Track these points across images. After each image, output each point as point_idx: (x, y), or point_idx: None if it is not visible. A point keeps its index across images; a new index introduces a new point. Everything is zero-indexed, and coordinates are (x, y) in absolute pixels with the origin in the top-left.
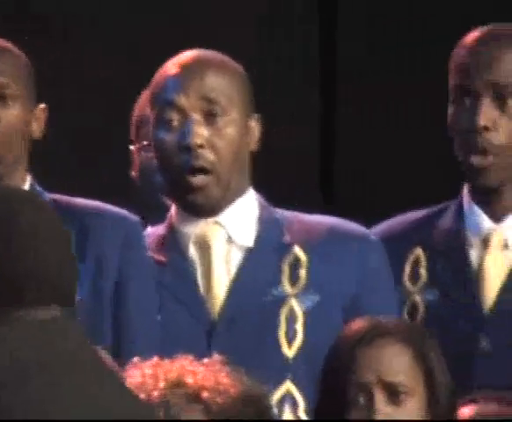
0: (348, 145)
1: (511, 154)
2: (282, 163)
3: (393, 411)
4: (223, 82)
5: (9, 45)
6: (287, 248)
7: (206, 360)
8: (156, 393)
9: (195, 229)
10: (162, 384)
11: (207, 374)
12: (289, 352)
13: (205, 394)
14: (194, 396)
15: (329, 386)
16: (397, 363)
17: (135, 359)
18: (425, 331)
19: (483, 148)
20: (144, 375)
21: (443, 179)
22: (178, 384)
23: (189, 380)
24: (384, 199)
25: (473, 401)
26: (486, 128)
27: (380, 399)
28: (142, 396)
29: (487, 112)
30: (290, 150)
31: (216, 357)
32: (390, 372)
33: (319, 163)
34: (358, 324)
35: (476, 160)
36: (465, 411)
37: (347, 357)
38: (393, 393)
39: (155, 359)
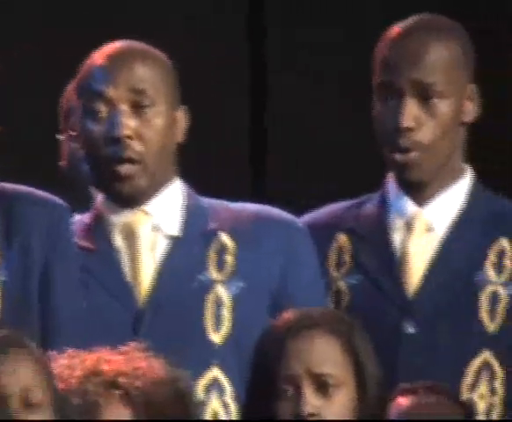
0: (280, 139)
1: (435, 152)
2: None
3: (322, 403)
4: (150, 73)
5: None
6: (213, 235)
7: (123, 348)
8: (73, 381)
9: (122, 218)
10: (78, 373)
11: (124, 360)
12: (216, 338)
13: (122, 379)
14: (111, 383)
15: (258, 378)
16: (325, 354)
17: (53, 352)
18: (354, 323)
19: (406, 147)
20: (61, 366)
21: (372, 170)
22: (94, 372)
23: (105, 367)
24: (314, 192)
25: (413, 391)
26: (409, 129)
27: (309, 391)
28: (61, 386)
29: (411, 112)
30: (221, 143)
31: (134, 343)
32: (318, 363)
33: (251, 157)
34: (287, 316)
35: (399, 157)
36: (402, 401)
37: (276, 349)
38: (322, 385)
39: (70, 350)
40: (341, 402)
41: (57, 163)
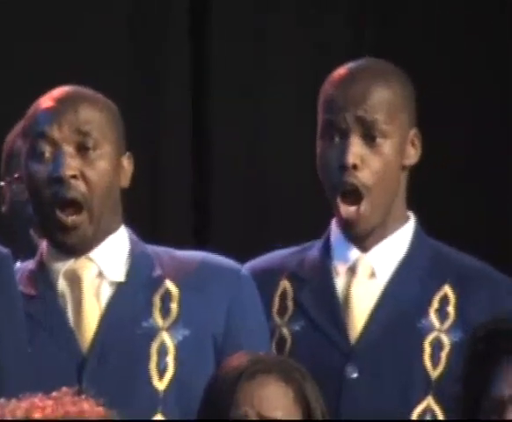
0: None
1: (380, 196)
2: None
3: None
4: (96, 116)
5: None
6: (158, 282)
7: (55, 394)
8: None
9: (66, 265)
10: None
11: (56, 406)
12: (160, 385)
13: None
14: None
15: (208, 419)
16: (277, 400)
17: None
18: (305, 372)
19: (353, 188)
20: None
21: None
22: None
23: (37, 415)
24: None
25: None
26: (354, 167)
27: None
28: None
29: (356, 150)
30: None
31: (65, 389)
32: (270, 408)
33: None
34: (239, 359)
35: (345, 211)
36: None
37: (228, 391)
38: None
39: (2, 400)
40: None
41: None
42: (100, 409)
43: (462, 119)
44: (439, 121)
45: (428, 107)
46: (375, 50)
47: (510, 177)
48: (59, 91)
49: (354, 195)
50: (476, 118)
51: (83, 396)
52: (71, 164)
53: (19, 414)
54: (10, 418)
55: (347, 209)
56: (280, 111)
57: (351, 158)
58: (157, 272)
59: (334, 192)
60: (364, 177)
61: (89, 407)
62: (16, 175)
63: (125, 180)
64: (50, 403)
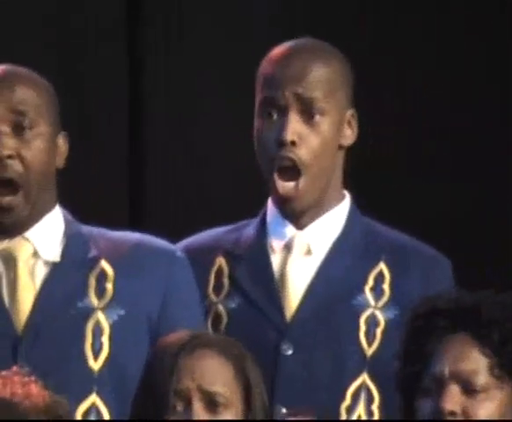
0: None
1: (318, 173)
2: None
3: (212, 419)
4: (32, 95)
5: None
6: (93, 262)
7: (3, 373)
8: None
9: (1, 244)
10: None
11: (3, 386)
12: (95, 364)
13: None
14: None
15: (147, 394)
16: (217, 374)
17: None
18: (244, 349)
19: (291, 164)
20: None
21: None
22: None
23: None
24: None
25: (295, 414)
26: (292, 143)
27: (198, 406)
28: None
29: (295, 127)
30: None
31: (15, 368)
32: (210, 381)
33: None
34: (179, 334)
35: (282, 188)
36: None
37: (168, 365)
38: (211, 402)
39: None
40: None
41: None
42: (47, 393)
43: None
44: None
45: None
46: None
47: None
48: None
49: (292, 171)
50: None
51: (32, 378)
52: (8, 144)
53: None
54: None
55: (284, 185)
56: (216, 80)
57: (289, 135)
58: (93, 252)
59: (271, 169)
60: (302, 154)
61: (36, 390)
62: None
63: (60, 160)
64: None
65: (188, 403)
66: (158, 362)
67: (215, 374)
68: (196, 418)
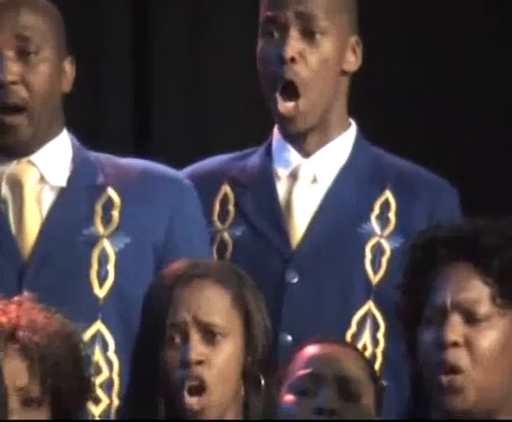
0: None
1: (318, 93)
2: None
3: (209, 351)
4: (37, 21)
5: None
6: (100, 189)
7: (16, 299)
8: None
9: (8, 169)
10: None
11: (21, 312)
12: (100, 292)
13: (20, 333)
14: (10, 336)
15: (147, 327)
16: (214, 304)
17: None
18: (244, 275)
19: (291, 81)
20: None
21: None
22: None
23: (3, 319)
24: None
25: (321, 341)
26: (292, 60)
27: (195, 338)
28: None
29: (295, 45)
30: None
31: (26, 295)
32: (206, 312)
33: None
34: (177, 265)
35: (283, 107)
36: (311, 348)
37: (165, 296)
38: (209, 333)
39: None
40: (228, 351)
41: None
42: (63, 323)
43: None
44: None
45: None
46: None
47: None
48: None
49: (292, 90)
50: None
51: (40, 305)
52: (12, 69)
53: None
54: None
55: (285, 104)
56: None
57: (290, 51)
58: (100, 179)
59: (273, 88)
60: (302, 70)
61: (54, 319)
62: None
63: (67, 85)
64: (14, 306)
65: (185, 336)
66: (156, 294)
67: (211, 304)
68: (193, 350)
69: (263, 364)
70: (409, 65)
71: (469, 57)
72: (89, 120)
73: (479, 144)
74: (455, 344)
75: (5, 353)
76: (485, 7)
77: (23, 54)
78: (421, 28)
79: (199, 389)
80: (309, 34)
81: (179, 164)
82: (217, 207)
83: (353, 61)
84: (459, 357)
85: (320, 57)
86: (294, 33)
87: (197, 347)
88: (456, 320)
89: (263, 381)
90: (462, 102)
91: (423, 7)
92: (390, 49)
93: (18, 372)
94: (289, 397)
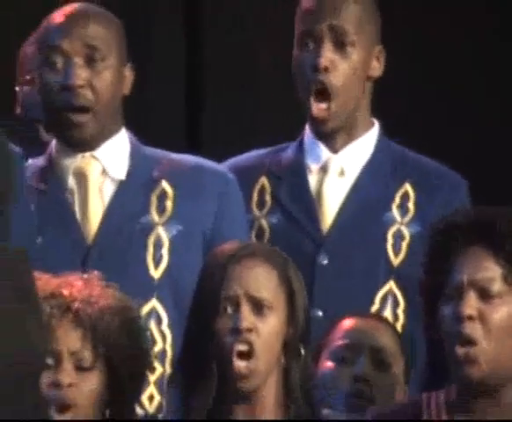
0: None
1: (347, 97)
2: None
3: (257, 321)
4: (103, 31)
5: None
6: (155, 182)
7: (85, 276)
8: None
9: (73, 162)
10: (40, 294)
11: (82, 286)
12: (156, 273)
13: (76, 305)
14: (66, 307)
15: (202, 298)
16: (263, 281)
17: None
18: (288, 258)
19: (324, 87)
20: None
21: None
22: (53, 295)
23: (65, 291)
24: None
25: (358, 316)
26: (325, 69)
27: (246, 309)
28: None
29: (328, 55)
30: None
31: (95, 273)
32: (256, 288)
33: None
34: (230, 245)
35: (316, 108)
36: (348, 321)
37: (219, 273)
38: (258, 306)
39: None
40: (273, 322)
41: (14, 113)
42: (119, 298)
43: None
44: None
45: None
46: None
47: None
48: (70, 8)
49: (325, 94)
50: None
51: (105, 283)
52: (81, 75)
53: (49, 289)
54: (41, 290)
55: (318, 106)
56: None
57: (323, 61)
58: (155, 173)
59: (307, 93)
60: (334, 78)
61: (111, 294)
62: (27, 77)
63: (126, 88)
64: (79, 283)
65: (237, 307)
66: (210, 271)
67: (260, 280)
68: (244, 319)
69: (302, 336)
70: (410, 64)
71: (469, 55)
72: (144, 118)
73: (480, 142)
74: (470, 317)
75: (61, 321)
76: (485, 6)
77: (90, 61)
78: (423, 28)
79: (247, 354)
80: (340, 46)
81: (226, 158)
82: (255, 197)
83: (377, 68)
84: (474, 329)
85: (350, 66)
86: (327, 45)
87: (247, 317)
88: (471, 296)
89: (302, 351)
90: (462, 100)
91: (424, 6)
92: (390, 49)
93: (71, 338)
94: (329, 364)
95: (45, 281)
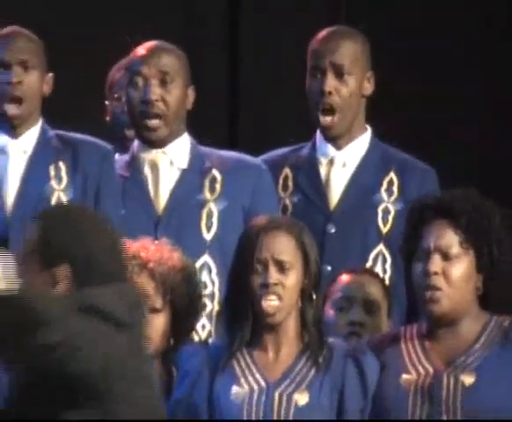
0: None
1: (346, 112)
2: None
3: (281, 277)
4: (172, 61)
5: (24, 30)
6: (208, 170)
7: (157, 241)
8: None
9: (149, 156)
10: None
11: (155, 250)
12: (208, 236)
13: (150, 264)
14: (143, 266)
15: (239, 260)
16: (284, 247)
17: None
18: (304, 227)
19: (329, 106)
20: None
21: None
22: (134, 256)
23: (142, 254)
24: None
25: (352, 271)
26: (329, 93)
27: (272, 269)
28: None
29: (331, 83)
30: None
31: (164, 239)
32: (280, 252)
33: (227, 117)
34: (260, 219)
35: (324, 121)
36: (345, 277)
37: (252, 241)
38: (281, 266)
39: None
40: (293, 277)
41: (105, 120)
42: (183, 258)
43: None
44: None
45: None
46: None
47: None
48: (149, 44)
49: (330, 111)
50: None
51: (171, 247)
52: (156, 92)
53: (131, 252)
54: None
55: (325, 119)
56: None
57: (327, 88)
58: (207, 164)
59: (317, 109)
60: (336, 99)
61: (176, 255)
62: (116, 95)
63: (189, 104)
64: (153, 247)
65: (266, 267)
66: (246, 239)
67: (283, 247)
68: (271, 276)
69: (315, 285)
70: (410, 70)
71: (472, 58)
72: (196, 122)
73: (482, 142)
74: (435, 273)
75: (139, 276)
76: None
77: (162, 82)
78: (423, 28)
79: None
80: (339, 75)
81: (261, 153)
82: (281, 183)
83: (369, 88)
84: (438, 280)
85: (348, 90)
86: (330, 75)
87: (273, 275)
88: (436, 258)
89: (314, 296)
90: (463, 104)
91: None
92: (390, 51)
93: (146, 288)
94: (331, 312)
95: (128, 246)
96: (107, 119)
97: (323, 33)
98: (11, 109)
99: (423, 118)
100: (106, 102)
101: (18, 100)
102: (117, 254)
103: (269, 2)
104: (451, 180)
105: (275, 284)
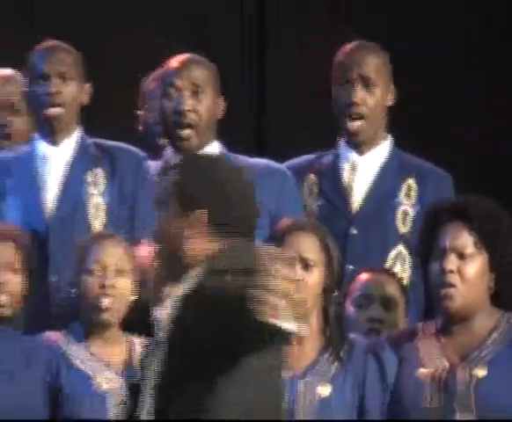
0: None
1: (372, 120)
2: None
3: (305, 274)
4: (203, 73)
5: (62, 43)
6: None
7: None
8: None
9: (176, 160)
10: None
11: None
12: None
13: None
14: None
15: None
16: (310, 247)
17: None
18: (327, 230)
19: (358, 116)
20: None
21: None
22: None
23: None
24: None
25: (371, 270)
26: (358, 103)
27: (298, 267)
28: None
29: (358, 94)
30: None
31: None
32: (305, 251)
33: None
34: (285, 221)
35: (352, 126)
36: (364, 275)
37: (279, 241)
38: (306, 264)
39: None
40: (316, 274)
41: (137, 129)
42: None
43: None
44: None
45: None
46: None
47: None
48: (182, 57)
49: (359, 117)
50: None
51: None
52: (188, 102)
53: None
54: None
55: (353, 125)
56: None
57: (355, 99)
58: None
59: (344, 117)
60: (363, 108)
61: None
62: (146, 106)
63: (219, 113)
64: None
65: (292, 265)
66: (274, 238)
67: (307, 246)
68: (297, 274)
69: (337, 283)
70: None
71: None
72: (228, 132)
73: (483, 142)
74: (451, 271)
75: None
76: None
77: (194, 94)
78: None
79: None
80: (366, 86)
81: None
82: (306, 187)
83: (391, 99)
84: (453, 278)
85: (374, 100)
86: (357, 87)
87: (298, 272)
88: (452, 257)
89: (336, 293)
90: (463, 105)
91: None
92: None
93: None
94: (351, 309)
95: None
96: (140, 128)
97: (349, 46)
98: (52, 111)
99: (423, 118)
100: (139, 112)
101: (57, 105)
102: (248, 201)
103: (270, 3)
104: (451, 180)
105: (299, 281)
